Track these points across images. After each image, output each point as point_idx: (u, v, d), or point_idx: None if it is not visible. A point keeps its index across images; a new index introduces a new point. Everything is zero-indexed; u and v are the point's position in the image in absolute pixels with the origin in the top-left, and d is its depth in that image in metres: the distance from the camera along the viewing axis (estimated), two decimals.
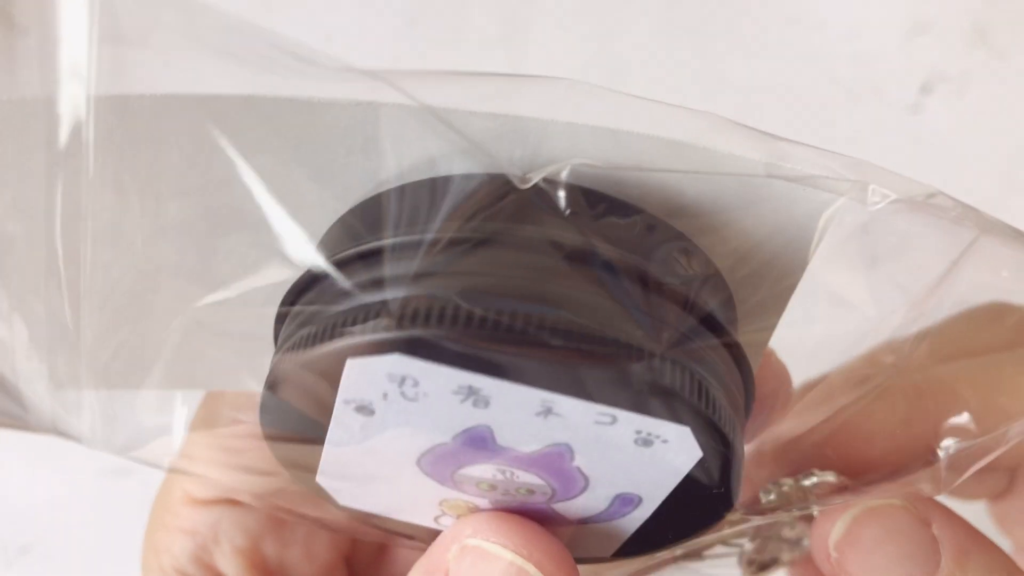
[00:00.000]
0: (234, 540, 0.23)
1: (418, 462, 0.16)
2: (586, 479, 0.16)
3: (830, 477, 0.19)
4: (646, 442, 0.15)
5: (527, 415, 0.15)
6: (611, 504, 0.17)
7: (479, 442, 0.16)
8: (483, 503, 0.17)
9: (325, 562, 0.24)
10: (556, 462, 0.16)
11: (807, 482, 0.19)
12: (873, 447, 0.19)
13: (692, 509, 0.17)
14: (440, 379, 0.14)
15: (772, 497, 0.20)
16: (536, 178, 0.15)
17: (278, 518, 0.23)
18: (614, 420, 0.15)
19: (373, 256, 0.15)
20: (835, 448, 0.19)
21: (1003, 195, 0.33)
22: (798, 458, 0.19)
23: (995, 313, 0.19)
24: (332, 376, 0.15)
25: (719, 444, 0.15)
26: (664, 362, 0.15)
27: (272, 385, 0.16)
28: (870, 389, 0.19)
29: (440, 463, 0.16)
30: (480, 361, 0.14)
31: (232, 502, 0.22)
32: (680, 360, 0.15)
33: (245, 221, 0.15)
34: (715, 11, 0.30)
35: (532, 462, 0.16)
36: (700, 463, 0.16)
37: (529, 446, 0.16)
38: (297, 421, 0.16)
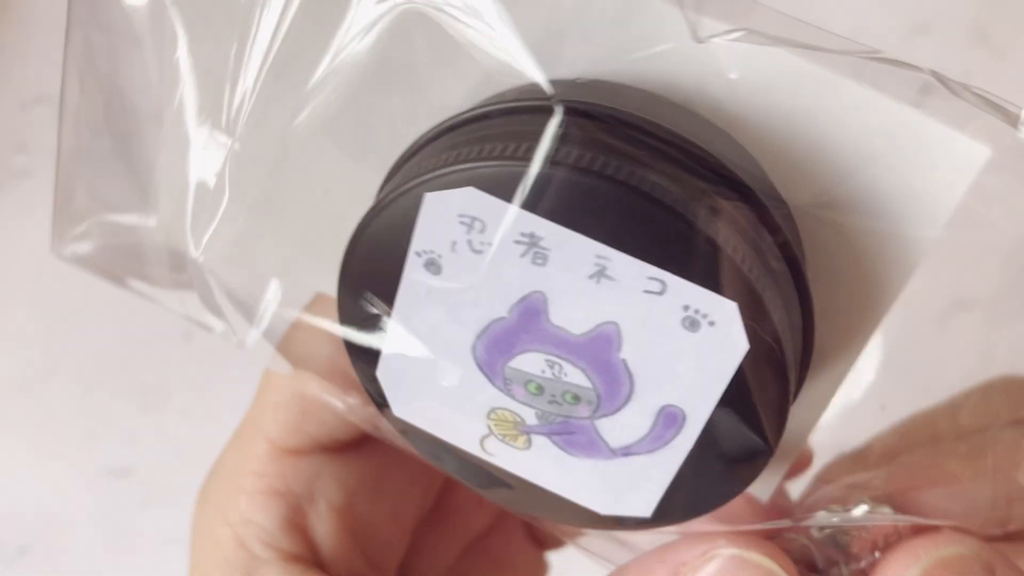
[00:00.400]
0: (332, 498, 0.21)
1: (473, 348, 0.17)
2: (631, 379, 0.16)
3: (885, 510, 0.19)
4: (693, 323, 0.16)
5: (581, 278, 0.16)
6: (654, 424, 0.17)
7: (533, 316, 0.16)
8: (529, 417, 0.17)
9: (409, 525, 0.22)
10: (604, 351, 0.16)
11: (858, 511, 0.19)
12: (942, 494, 0.19)
13: (733, 448, 0.17)
14: (505, 222, 0.15)
15: (820, 523, 0.19)
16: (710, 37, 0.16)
17: (372, 472, 0.21)
18: (663, 288, 0.15)
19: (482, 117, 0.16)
20: (898, 484, 0.19)
21: None
22: (854, 486, 0.19)
23: None
24: (408, 227, 0.16)
25: (767, 338, 0.15)
26: (733, 234, 0.15)
27: (354, 242, 0.17)
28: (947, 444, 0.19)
29: (494, 348, 0.17)
30: (547, 204, 0.15)
31: (329, 451, 0.21)
32: (749, 247, 0.15)
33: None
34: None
35: (581, 349, 0.16)
36: (746, 364, 0.16)
37: (579, 326, 0.16)
38: (372, 286, 0.17)
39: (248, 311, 0.19)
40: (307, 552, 0.20)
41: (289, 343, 0.20)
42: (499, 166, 0.15)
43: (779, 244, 0.16)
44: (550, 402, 0.17)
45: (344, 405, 0.20)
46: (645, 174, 0.15)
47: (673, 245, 0.15)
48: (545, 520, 0.21)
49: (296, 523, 0.20)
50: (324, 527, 0.20)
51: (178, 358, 0.35)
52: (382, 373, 0.18)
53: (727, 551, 0.18)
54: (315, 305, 0.19)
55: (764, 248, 0.16)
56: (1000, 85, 0.34)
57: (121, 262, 0.19)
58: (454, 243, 0.16)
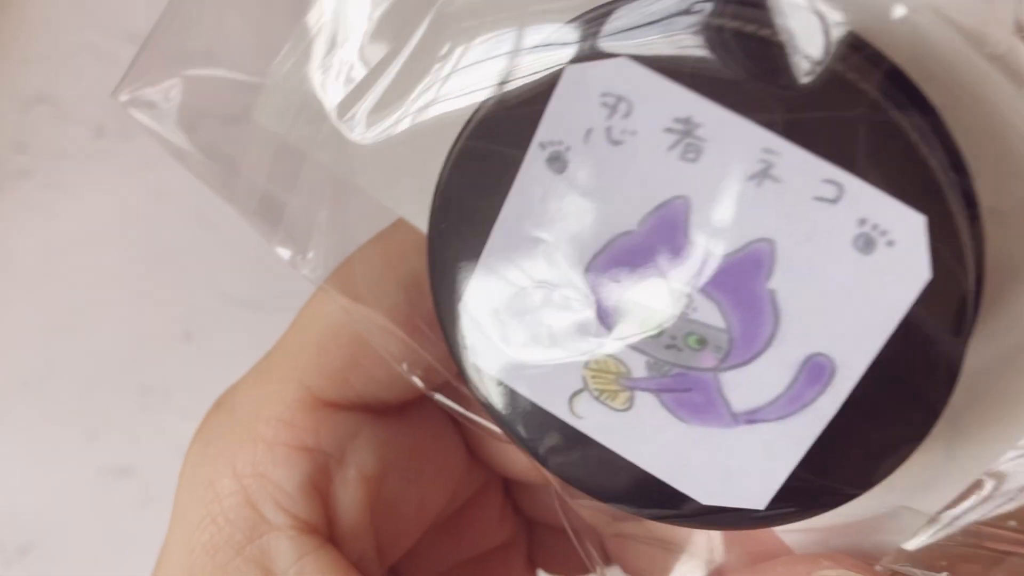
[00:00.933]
0: (365, 465, 0.17)
1: (586, 272, 0.14)
2: (776, 317, 0.14)
3: None
4: (868, 243, 0.13)
5: (739, 179, 0.13)
6: (794, 380, 0.14)
7: (670, 230, 0.14)
8: (638, 367, 0.15)
9: (429, 518, 0.19)
10: (750, 278, 0.14)
11: None
12: None
13: (887, 417, 0.14)
14: (660, 103, 0.13)
15: None
16: None
17: (411, 448, 0.18)
18: (839, 195, 0.13)
19: None
20: None
21: None
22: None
23: None
24: (535, 111, 0.13)
25: (957, 269, 0.13)
26: (926, 138, 0.13)
27: (462, 135, 0.14)
28: None
29: (613, 269, 0.14)
30: (709, 81, 0.12)
31: (372, 411, 0.18)
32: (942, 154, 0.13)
33: None
34: None
35: (721, 277, 0.14)
36: (924, 298, 0.13)
37: (724, 243, 0.14)
38: (476, 190, 0.14)
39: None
40: (323, 523, 0.17)
41: (351, 273, 0.17)
42: (660, 36, 0.13)
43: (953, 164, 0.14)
44: (668, 347, 0.14)
45: (403, 357, 0.17)
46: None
47: (859, 141, 0.13)
48: (616, 511, 0.17)
49: (319, 487, 0.17)
50: (349, 497, 0.17)
51: (178, 358, 0.34)
52: (467, 306, 0.15)
53: (834, 572, 0.15)
54: (395, 231, 0.16)
55: (947, 162, 0.13)
56: None
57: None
58: (589, 131, 0.13)
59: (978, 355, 0.15)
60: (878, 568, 0.16)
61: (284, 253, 0.17)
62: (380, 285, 0.17)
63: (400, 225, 0.17)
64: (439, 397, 0.18)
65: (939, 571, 0.16)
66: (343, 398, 0.17)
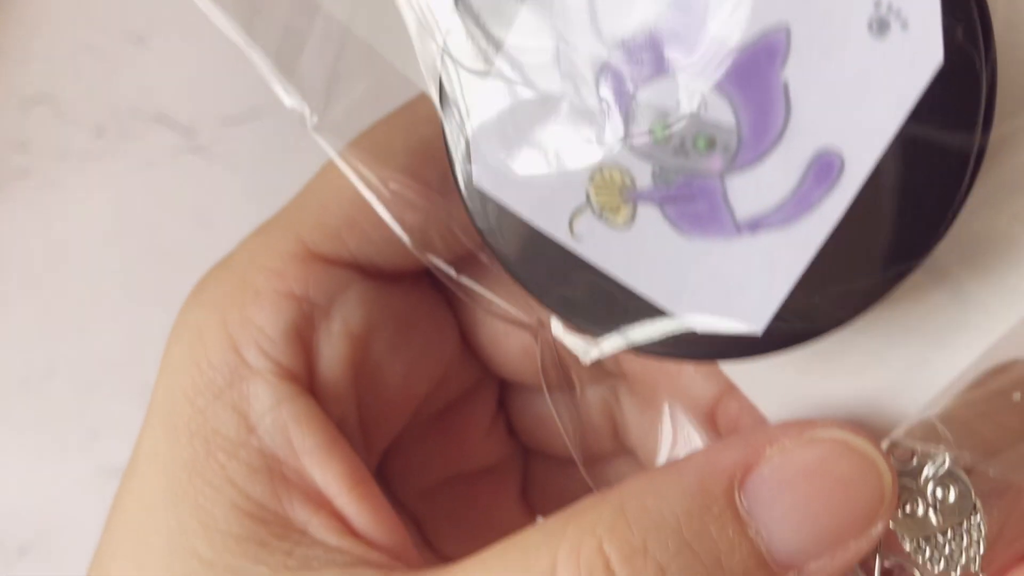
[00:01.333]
0: (351, 319, 0.17)
1: (602, 69, 0.14)
2: (787, 110, 0.13)
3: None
4: (882, 24, 0.13)
5: None
6: (802, 179, 0.14)
7: (685, 20, 0.14)
8: (643, 176, 0.14)
9: (411, 405, 0.19)
10: (763, 67, 0.13)
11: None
12: None
13: (896, 221, 0.13)
14: None
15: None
16: None
17: (401, 316, 0.18)
18: None
19: None
20: None
21: None
22: None
23: None
24: None
25: (971, 47, 0.13)
26: None
27: None
28: None
29: (626, 68, 0.14)
30: None
31: (365, 272, 0.18)
32: None
33: None
34: None
35: (735, 70, 0.13)
36: (937, 86, 0.13)
37: (742, 29, 0.13)
38: None
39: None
40: (304, 373, 0.17)
41: (367, 140, 0.17)
42: None
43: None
44: (676, 152, 0.14)
45: (410, 224, 0.17)
46: None
47: None
48: (614, 348, 0.16)
49: (303, 335, 0.17)
50: (332, 350, 0.17)
51: None
52: (474, 121, 0.15)
53: (829, 432, 0.15)
54: (412, 106, 0.17)
55: None
56: None
57: None
58: None
59: (979, 219, 0.14)
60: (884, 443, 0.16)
61: (301, 108, 0.16)
62: (394, 148, 0.17)
63: (417, 101, 0.17)
64: (434, 260, 0.17)
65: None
66: (336, 254, 0.17)
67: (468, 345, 0.20)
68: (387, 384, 0.18)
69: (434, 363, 0.19)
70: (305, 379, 0.17)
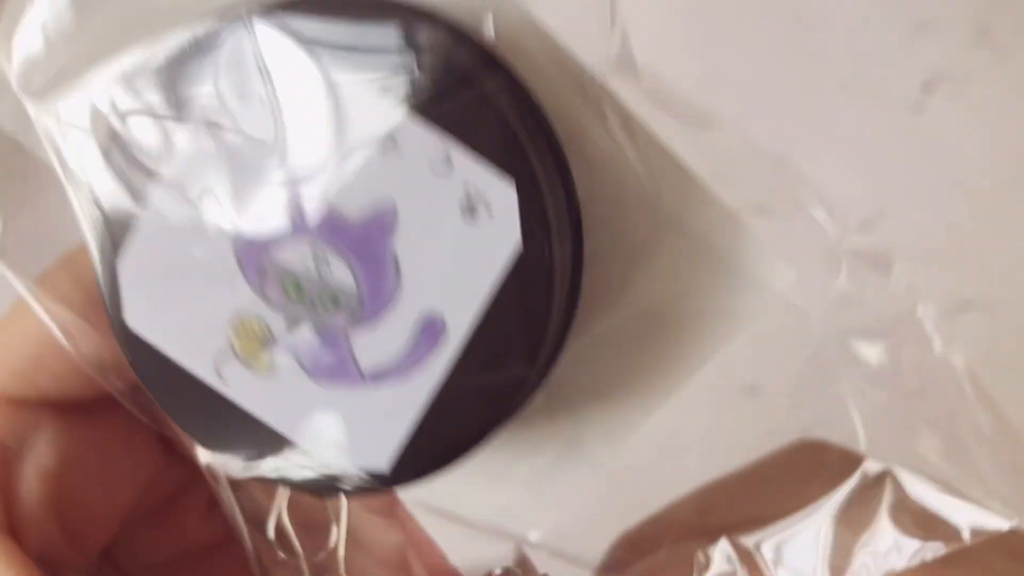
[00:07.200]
0: (43, 460, 0.18)
1: (236, 234, 0.16)
2: (398, 275, 0.16)
3: None
4: (471, 209, 0.15)
5: (367, 148, 0.15)
6: (413, 337, 0.16)
7: (302, 200, 0.16)
8: (279, 327, 0.16)
9: (122, 508, 0.20)
10: (375, 240, 0.16)
11: None
12: None
13: (494, 374, 0.16)
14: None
15: None
16: None
17: (95, 441, 0.19)
18: (447, 162, 0.15)
19: None
20: None
21: (1005, 196, 0.32)
22: None
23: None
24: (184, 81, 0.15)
25: (541, 235, 0.15)
26: (522, 117, 0.15)
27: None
28: None
29: (257, 233, 0.16)
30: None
31: (55, 408, 0.19)
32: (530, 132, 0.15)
33: None
34: (715, 11, 0.31)
35: (354, 239, 0.16)
36: (518, 267, 0.15)
37: (357, 205, 0.15)
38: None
39: None
40: (2, 516, 0.18)
41: (52, 275, 0.18)
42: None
43: (547, 138, 0.16)
44: (308, 308, 0.16)
45: (94, 357, 0.18)
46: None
47: (464, 115, 0.15)
48: (272, 484, 0.18)
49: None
50: (28, 490, 0.18)
51: None
52: (125, 264, 0.16)
53: None
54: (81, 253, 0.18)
55: (534, 138, 0.16)
56: (1003, 87, 0.32)
57: None
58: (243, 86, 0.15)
59: (590, 337, 0.17)
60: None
61: None
62: (72, 284, 0.18)
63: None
64: (116, 388, 0.19)
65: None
66: (25, 395, 0.18)
67: (175, 450, 0.21)
68: (89, 504, 0.19)
69: (137, 476, 0.20)
70: (2, 519, 0.18)
